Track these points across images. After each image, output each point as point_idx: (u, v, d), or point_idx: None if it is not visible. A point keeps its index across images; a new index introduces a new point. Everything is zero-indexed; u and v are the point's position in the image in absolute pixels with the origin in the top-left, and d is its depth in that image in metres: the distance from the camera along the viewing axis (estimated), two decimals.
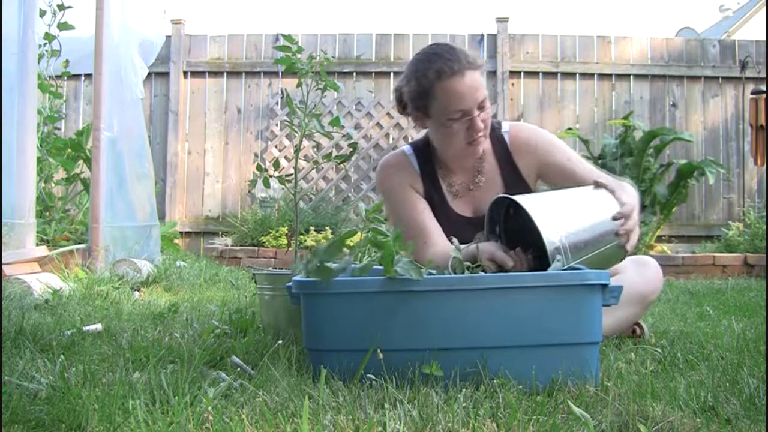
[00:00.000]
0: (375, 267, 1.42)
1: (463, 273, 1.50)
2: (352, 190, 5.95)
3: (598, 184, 1.59)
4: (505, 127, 1.88)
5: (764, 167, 5.61)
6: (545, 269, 1.42)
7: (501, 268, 1.52)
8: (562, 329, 1.26)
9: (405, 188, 1.83)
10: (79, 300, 2.37)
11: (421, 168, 1.86)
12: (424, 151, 1.89)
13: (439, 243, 1.73)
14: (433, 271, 1.53)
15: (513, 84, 6.06)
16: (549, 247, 1.37)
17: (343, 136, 5.47)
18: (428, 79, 1.70)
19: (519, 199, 1.45)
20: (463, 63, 1.68)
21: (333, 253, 1.32)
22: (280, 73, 6.09)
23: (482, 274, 1.46)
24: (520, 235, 1.55)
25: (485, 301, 1.26)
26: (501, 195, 1.56)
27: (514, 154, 1.85)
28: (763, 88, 5.41)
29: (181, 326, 1.88)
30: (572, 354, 1.25)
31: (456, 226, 1.77)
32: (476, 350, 1.24)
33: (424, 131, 1.92)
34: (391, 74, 6.08)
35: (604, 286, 1.27)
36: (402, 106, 1.84)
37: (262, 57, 6.13)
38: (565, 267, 1.37)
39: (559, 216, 1.43)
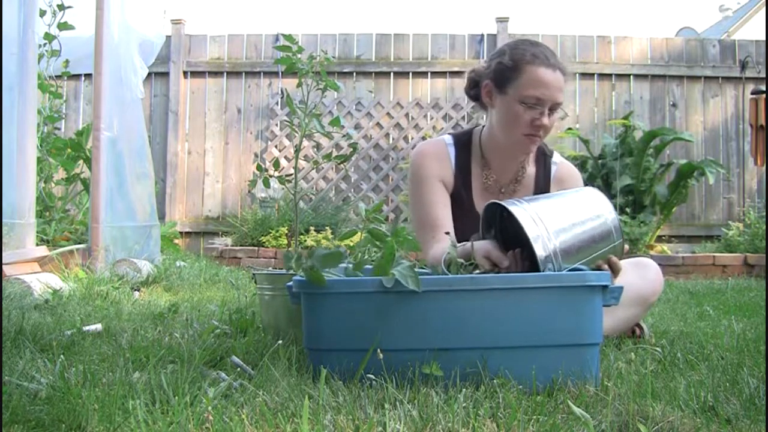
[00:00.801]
0: (367, 267, 1.42)
1: (457, 271, 1.49)
2: (352, 190, 5.95)
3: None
4: (557, 159, 1.94)
5: (764, 167, 5.61)
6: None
7: (495, 267, 1.52)
8: (562, 330, 1.26)
9: (433, 179, 1.85)
10: (79, 300, 2.37)
11: (456, 161, 1.88)
12: (464, 144, 1.90)
13: (446, 241, 1.74)
14: (428, 270, 1.53)
15: None
16: (539, 257, 1.37)
17: (343, 136, 5.47)
18: (524, 57, 1.75)
19: (511, 207, 1.45)
20: (559, 63, 1.76)
21: (330, 263, 1.33)
22: (280, 73, 6.09)
23: (483, 274, 1.45)
24: (515, 237, 1.55)
25: (486, 302, 1.26)
26: (492, 201, 1.56)
27: (553, 183, 1.91)
28: (763, 88, 5.42)
29: (181, 326, 1.88)
30: (573, 355, 1.25)
31: (477, 224, 1.78)
32: (476, 350, 1.24)
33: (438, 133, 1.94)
34: (391, 74, 6.09)
35: (605, 287, 1.27)
36: (473, 84, 1.87)
37: (262, 57, 6.13)
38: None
39: (551, 223, 1.42)
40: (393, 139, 6.02)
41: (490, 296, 1.26)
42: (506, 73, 1.76)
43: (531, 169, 1.91)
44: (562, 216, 1.47)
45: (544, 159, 1.92)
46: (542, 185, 1.90)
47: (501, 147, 1.85)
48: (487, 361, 1.24)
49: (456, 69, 5.94)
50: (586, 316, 1.27)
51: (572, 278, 1.28)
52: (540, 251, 1.37)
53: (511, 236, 1.57)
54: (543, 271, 1.37)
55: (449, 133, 1.96)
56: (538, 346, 1.25)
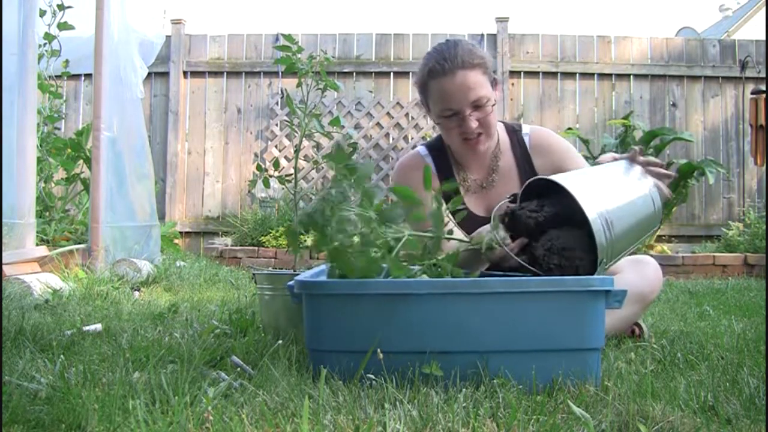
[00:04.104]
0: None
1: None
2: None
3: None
4: (526, 129, 1.93)
5: (764, 167, 5.61)
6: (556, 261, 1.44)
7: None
8: (564, 335, 1.25)
9: (423, 189, 1.84)
10: (79, 300, 2.37)
11: (437, 168, 1.88)
12: (439, 150, 1.91)
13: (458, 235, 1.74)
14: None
15: (513, 84, 6.06)
16: (593, 224, 1.34)
17: (343, 136, 5.47)
18: (423, 76, 1.77)
19: (561, 181, 1.42)
20: (456, 62, 1.70)
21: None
22: (280, 73, 6.09)
23: (486, 278, 1.45)
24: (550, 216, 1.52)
25: (488, 305, 1.25)
26: (540, 176, 1.52)
27: (533, 155, 1.89)
28: (763, 88, 5.42)
29: (181, 326, 1.88)
30: (574, 359, 1.24)
31: (472, 225, 1.77)
32: (478, 354, 1.24)
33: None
34: (391, 74, 6.09)
35: (608, 291, 1.26)
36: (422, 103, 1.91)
37: (262, 57, 6.13)
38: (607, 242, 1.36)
39: (601, 198, 1.41)
40: (393, 139, 6.02)
41: (491, 300, 1.26)
42: (421, 94, 1.81)
43: (507, 154, 1.90)
44: (609, 189, 1.47)
45: (516, 137, 1.91)
46: (523, 163, 1.88)
47: (456, 154, 1.87)
48: (489, 365, 1.23)
49: None
50: (588, 320, 1.26)
51: (575, 283, 1.27)
52: (595, 222, 1.34)
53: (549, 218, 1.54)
54: (598, 242, 1.35)
55: (422, 144, 1.97)
56: (539, 350, 1.24)
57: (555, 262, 1.44)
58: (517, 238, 1.52)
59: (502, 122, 1.95)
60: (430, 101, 1.79)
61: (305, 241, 4.95)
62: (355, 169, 1.33)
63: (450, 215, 1.82)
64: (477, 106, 1.72)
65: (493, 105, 1.75)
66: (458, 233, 1.62)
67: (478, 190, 1.88)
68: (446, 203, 1.84)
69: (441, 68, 1.71)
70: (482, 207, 1.87)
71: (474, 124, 1.72)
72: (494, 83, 1.79)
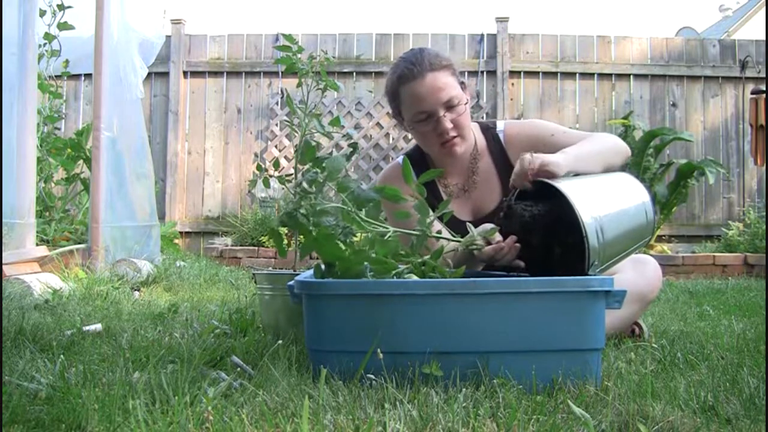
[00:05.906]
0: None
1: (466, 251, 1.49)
2: None
3: None
4: (500, 126, 1.92)
5: (764, 167, 5.61)
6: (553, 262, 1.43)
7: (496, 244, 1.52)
8: (564, 335, 1.25)
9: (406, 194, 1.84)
10: (79, 300, 2.37)
11: (417, 177, 1.87)
12: (418, 159, 1.91)
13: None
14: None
15: (513, 84, 6.06)
16: (587, 225, 1.34)
17: (343, 136, 5.47)
18: (393, 84, 1.78)
19: (556, 183, 1.42)
20: (425, 65, 1.72)
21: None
22: (280, 73, 6.09)
23: (485, 278, 1.45)
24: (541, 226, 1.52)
25: (488, 306, 1.25)
26: (540, 180, 1.50)
27: (507, 150, 1.88)
28: (763, 88, 5.42)
29: (181, 326, 1.88)
30: (574, 360, 1.24)
31: (458, 230, 1.77)
32: (477, 354, 1.24)
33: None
34: None
35: (608, 292, 1.26)
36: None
37: (262, 57, 6.13)
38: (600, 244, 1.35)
39: (595, 203, 1.41)
40: (393, 139, 6.02)
41: (491, 300, 1.25)
42: (392, 103, 1.82)
43: (485, 154, 1.89)
44: (602, 196, 1.47)
45: (491, 136, 1.90)
46: (501, 162, 1.87)
47: (435, 159, 1.87)
48: (488, 365, 1.23)
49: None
50: (588, 321, 1.26)
51: (575, 283, 1.27)
52: (590, 235, 1.33)
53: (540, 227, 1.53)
54: (590, 244, 1.34)
55: (402, 155, 1.97)
56: (539, 350, 1.24)
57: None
58: (508, 236, 1.52)
59: (477, 122, 1.95)
60: (402, 108, 1.79)
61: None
62: (324, 162, 1.33)
63: (438, 219, 1.82)
64: (450, 106, 1.73)
65: (465, 104, 1.76)
66: (446, 234, 1.62)
67: (460, 194, 1.88)
68: (432, 211, 1.84)
69: (410, 72, 1.72)
70: (466, 211, 1.87)
71: (449, 124, 1.73)
72: (463, 86, 1.80)
